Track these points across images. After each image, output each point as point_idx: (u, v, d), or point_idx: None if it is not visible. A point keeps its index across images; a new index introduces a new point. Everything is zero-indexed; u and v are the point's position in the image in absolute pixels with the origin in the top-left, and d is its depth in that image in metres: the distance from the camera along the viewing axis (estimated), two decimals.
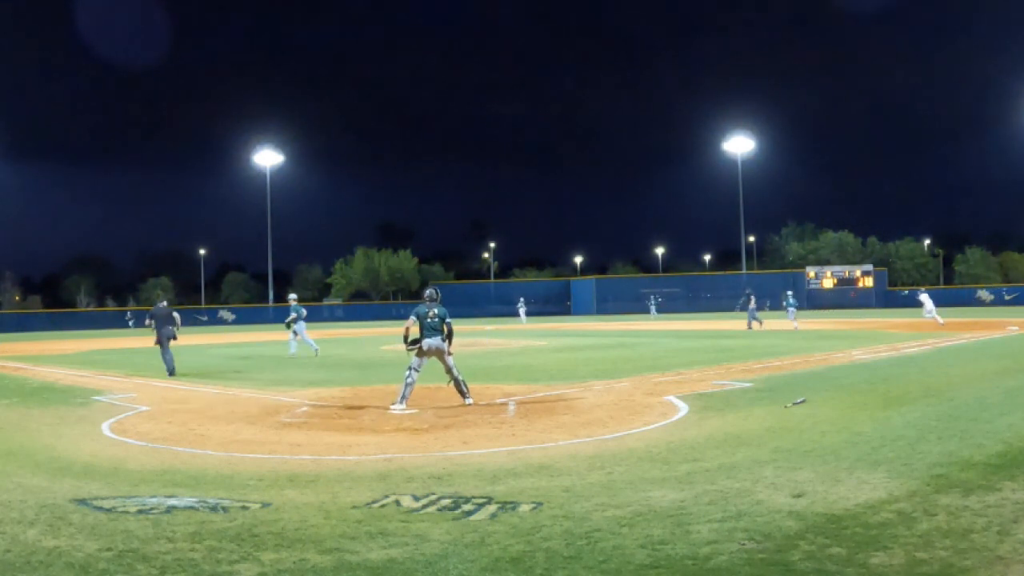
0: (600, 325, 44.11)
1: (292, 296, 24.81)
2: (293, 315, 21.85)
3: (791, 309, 35.39)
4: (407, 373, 10.71)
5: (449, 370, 10.91)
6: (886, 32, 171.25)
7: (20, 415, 11.13)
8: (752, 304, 35.32)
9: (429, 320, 10.91)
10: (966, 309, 55.60)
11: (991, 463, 6.41)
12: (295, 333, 21.88)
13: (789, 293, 37.82)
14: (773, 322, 38.72)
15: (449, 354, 10.96)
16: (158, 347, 17.43)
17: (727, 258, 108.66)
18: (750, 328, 33.51)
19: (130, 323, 53.04)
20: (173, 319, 17.94)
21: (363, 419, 9.98)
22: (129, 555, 4.52)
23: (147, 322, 18.34)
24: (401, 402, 10.52)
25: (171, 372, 16.92)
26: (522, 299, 55.45)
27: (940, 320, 31.71)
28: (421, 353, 10.87)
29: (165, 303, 18.92)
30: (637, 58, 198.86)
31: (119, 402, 12.20)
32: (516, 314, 54.62)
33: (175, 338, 17.66)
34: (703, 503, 5.40)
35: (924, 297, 34.50)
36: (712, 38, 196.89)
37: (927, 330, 28.13)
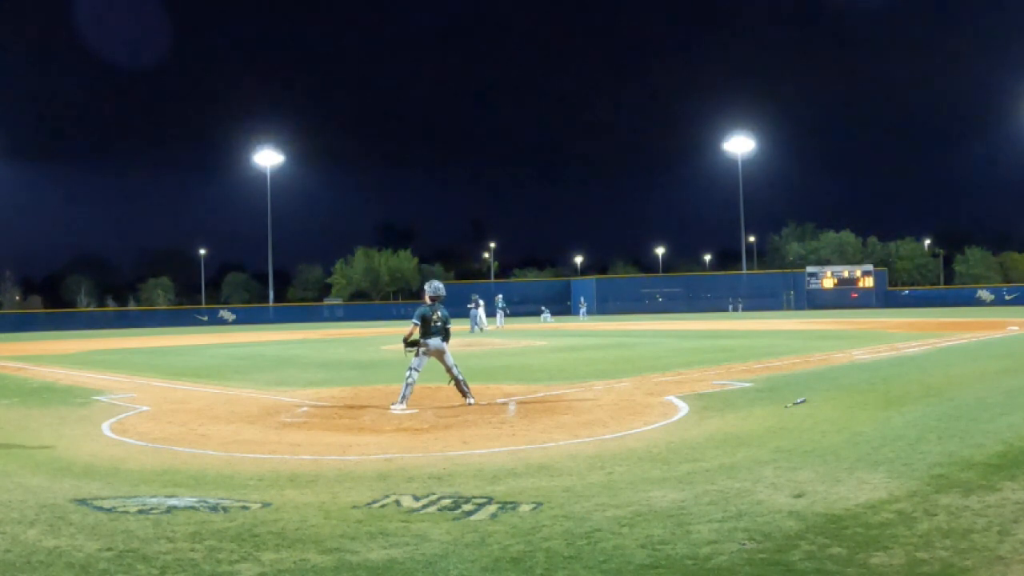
0: (600, 325, 44.07)
1: None
2: None
3: (499, 312, 41.95)
4: (408, 373, 10.67)
5: (449, 369, 10.88)
6: (887, 32, 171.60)
7: (20, 415, 11.13)
8: (478, 308, 37.32)
9: (434, 322, 10.85)
10: (966, 309, 55.65)
11: (991, 463, 6.41)
12: None
13: (500, 296, 44.02)
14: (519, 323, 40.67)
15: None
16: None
17: (727, 258, 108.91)
18: (473, 331, 35.27)
19: None
20: None
21: (363, 419, 9.97)
22: (129, 555, 4.52)
23: None
24: (401, 402, 10.51)
25: None
26: (544, 307, 55.47)
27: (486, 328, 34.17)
28: (421, 353, 10.83)
29: None
30: (638, 58, 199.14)
31: (119, 402, 12.20)
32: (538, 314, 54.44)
33: None
34: (703, 503, 5.40)
35: (477, 308, 37.05)
36: (713, 38, 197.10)
37: (921, 330, 28.14)
